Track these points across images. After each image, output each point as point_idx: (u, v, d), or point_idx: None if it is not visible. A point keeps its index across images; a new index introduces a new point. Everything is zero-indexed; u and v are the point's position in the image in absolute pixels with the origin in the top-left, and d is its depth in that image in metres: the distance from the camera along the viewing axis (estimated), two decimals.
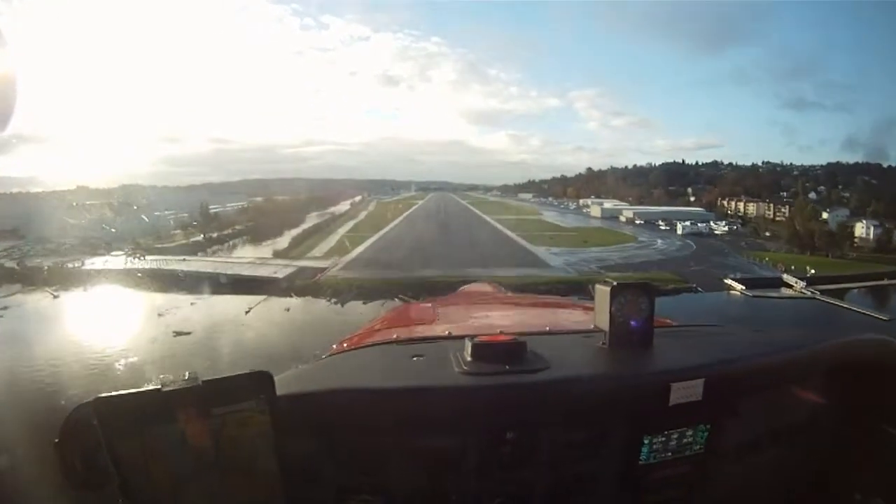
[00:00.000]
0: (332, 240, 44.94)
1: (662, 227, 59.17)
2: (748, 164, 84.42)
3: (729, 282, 29.49)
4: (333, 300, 25.20)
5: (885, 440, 1.55)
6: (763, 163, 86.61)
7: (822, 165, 77.25)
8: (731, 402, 1.47)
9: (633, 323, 1.51)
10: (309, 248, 41.34)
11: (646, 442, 1.41)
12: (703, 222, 61.04)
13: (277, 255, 38.90)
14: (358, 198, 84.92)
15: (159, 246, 42.52)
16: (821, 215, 60.52)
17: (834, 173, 75.65)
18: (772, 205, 74.23)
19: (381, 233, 48.42)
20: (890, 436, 1.55)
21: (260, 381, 1.02)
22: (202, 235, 48.12)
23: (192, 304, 24.83)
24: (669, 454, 1.44)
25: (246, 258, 38.09)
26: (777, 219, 70.28)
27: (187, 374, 0.98)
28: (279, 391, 1.08)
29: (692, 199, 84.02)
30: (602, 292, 1.49)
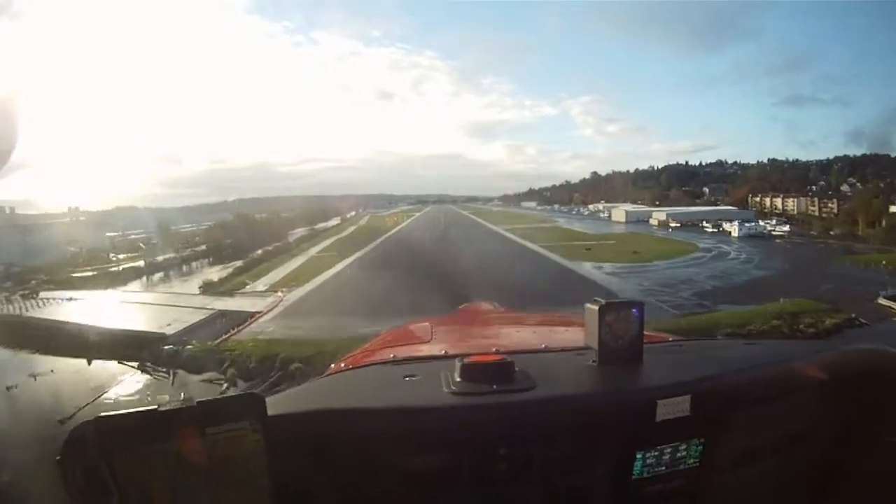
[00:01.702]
0: (296, 263, 33.73)
1: (709, 230, 48.37)
2: (753, 161, 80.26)
3: (885, 302, 20.51)
4: (231, 391, 13.52)
5: (883, 450, 1.50)
6: (768, 160, 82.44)
7: (829, 159, 72.78)
8: (724, 416, 1.42)
9: (622, 340, 1.48)
10: (258, 276, 30.17)
11: (639, 457, 1.38)
12: (746, 222, 51.50)
13: (208, 287, 27.60)
14: (352, 213, 79.99)
15: (80, 275, 32.32)
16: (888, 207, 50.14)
17: (863, 164, 68.38)
18: (815, 199, 65.42)
19: (365, 251, 37.28)
20: (887, 445, 1.50)
21: (251, 403, 1.02)
22: (143, 261, 37.68)
23: (8, 387, 14.14)
24: (664, 468, 1.40)
25: (162, 293, 27.39)
26: (823, 214, 61.30)
27: (182, 394, 0.98)
28: (273, 411, 1.08)
29: (714, 198, 76.30)
30: (591, 311, 1.48)
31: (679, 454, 1.40)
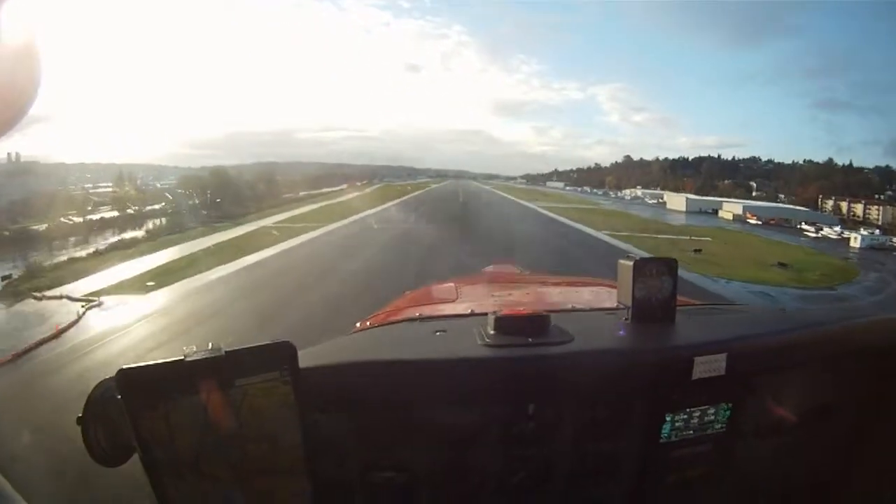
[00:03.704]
0: (222, 237, 22.25)
1: (812, 235, 37.69)
2: (788, 161, 78.21)
3: None
4: None
5: None
6: (805, 161, 79.43)
7: (870, 168, 68.05)
8: (754, 380, 1.39)
9: (656, 298, 1.44)
10: (131, 256, 18.16)
11: (668, 419, 1.34)
12: (833, 226, 42.55)
13: (26, 278, 16.19)
14: (363, 181, 79.04)
15: None
16: None
17: None
18: None
19: (337, 225, 25.94)
20: None
21: (283, 352, 0.96)
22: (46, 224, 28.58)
23: None
24: (691, 432, 1.37)
25: None
26: None
27: (210, 344, 0.93)
28: (304, 365, 1.01)
29: (771, 194, 71.38)
30: (625, 267, 1.43)
31: (707, 418, 1.36)
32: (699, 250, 20.18)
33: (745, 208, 46.40)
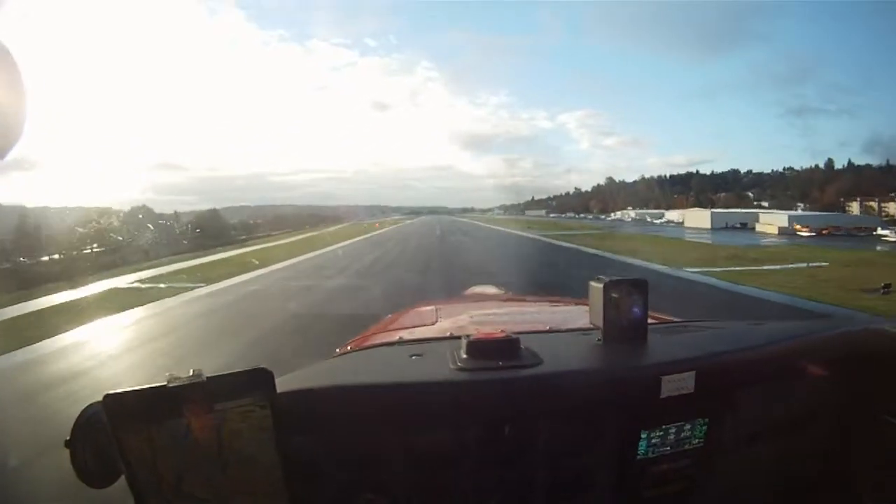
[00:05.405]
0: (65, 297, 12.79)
1: (892, 239, 29.87)
2: (767, 170, 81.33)
3: None
4: None
5: (887, 430, 1.47)
6: (785, 168, 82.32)
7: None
8: (728, 395, 1.41)
9: (627, 318, 1.44)
10: None
11: (643, 436, 1.35)
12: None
13: None
14: (323, 223, 77.53)
15: None
16: None
17: None
18: None
19: (259, 272, 16.54)
20: (891, 426, 1.47)
21: (260, 378, 1.01)
22: None
23: None
24: (668, 448, 1.38)
25: None
26: None
27: (192, 370, 0.96)
28: (283, 389, 1.07)
29: (764, 203, 72.07)
30: (595, 289, 1.44)
31: (683, 434, 1.37)
32: (889, 286, 10.69)
33: (792, 219, 38.55)
